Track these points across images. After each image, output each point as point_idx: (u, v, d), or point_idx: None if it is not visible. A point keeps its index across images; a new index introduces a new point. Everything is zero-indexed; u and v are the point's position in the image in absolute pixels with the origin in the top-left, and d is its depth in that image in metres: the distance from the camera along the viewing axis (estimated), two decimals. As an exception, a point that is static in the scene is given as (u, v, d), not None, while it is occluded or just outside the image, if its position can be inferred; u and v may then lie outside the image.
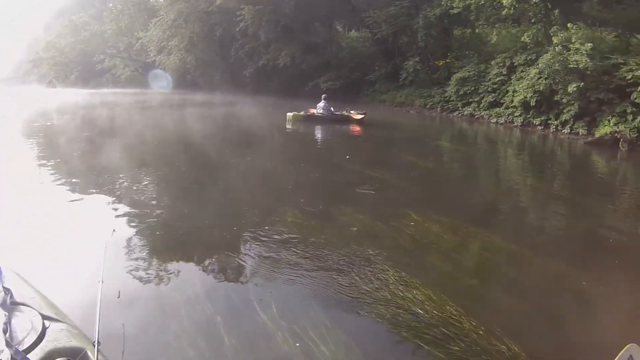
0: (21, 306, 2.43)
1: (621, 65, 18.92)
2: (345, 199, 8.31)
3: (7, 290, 2.43)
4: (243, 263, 5.30)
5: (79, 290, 4.23)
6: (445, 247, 6.00)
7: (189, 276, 5.02)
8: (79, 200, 7.97)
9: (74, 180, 9.39)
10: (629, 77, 18.16)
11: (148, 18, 52.67)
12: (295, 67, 34.72)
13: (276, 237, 6.13)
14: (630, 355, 2.64)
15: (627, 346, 2.70)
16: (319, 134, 18.49)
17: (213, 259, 5.65)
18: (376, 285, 4.74)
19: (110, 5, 66.12)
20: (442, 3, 27.96)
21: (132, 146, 14.09)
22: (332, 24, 38.79)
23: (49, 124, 20.96)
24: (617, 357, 2.65)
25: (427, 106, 28.52)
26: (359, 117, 20.45)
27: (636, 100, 17.80)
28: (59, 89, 70.27)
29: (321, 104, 20.59)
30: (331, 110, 20.63)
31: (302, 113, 20.33)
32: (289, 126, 19.24)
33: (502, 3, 22.79)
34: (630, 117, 17.97)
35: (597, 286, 5.21)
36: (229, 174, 10.34)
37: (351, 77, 33.51)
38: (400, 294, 4.53)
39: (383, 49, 33.66)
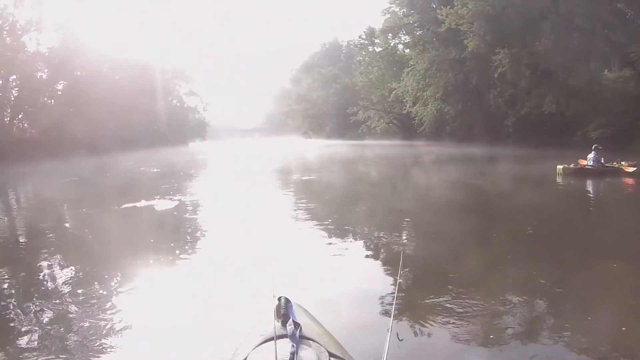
0: (309, 341, 2.73)
1: None
2: None
3: (297, 325, 2.77)
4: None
5: (366, 334, 4.84)
6: None
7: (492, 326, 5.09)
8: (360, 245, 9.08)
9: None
10: None
11: (398, 69, 60.31)
12: (559, 115, 36.39)
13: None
14: None
15: None
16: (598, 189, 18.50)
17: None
18: None
19: (359, 58, 76.27)
20: None
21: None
22: (594, 64, 40.23)
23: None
24: None
25: None
26: (632, 169, 20.97)
27: None
28: (314, 140, 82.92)
29: (591, 155, 21.52)
30: (601, 162, 21.44)
31: (571, 166, 21.44)
32: (559, 180, 20.11)
33: None
34: None
35: None
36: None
37: (621, 123, 33.34)
38: None
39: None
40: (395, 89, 58.95)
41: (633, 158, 22.25)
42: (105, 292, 6.39)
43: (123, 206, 13.76)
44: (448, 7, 45.99)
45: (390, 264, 7.31)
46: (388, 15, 60.91)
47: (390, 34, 62.93)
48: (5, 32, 44.90)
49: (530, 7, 39.29)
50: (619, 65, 39.26)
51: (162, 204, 13.80)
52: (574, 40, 39.17)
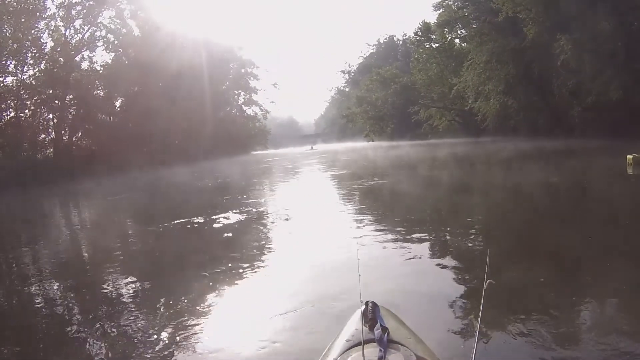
0: (397, 345, 2.74)
1: None
2: None
3: (384, 329, 2.80)
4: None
5: (455, 339, 4.86)
6: None
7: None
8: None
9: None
10: None
11: (457, 64, 59.95)
12: (628, 102, 35.05)
13: None
14: None
15: None
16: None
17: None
18: None
19: (416, 55, 75.99)
20: None
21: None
22: None
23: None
24: None
25: None
26: None
27: None
28: (376, 142, 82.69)
29: None
30: None
31: None
32: (629, 171, 19.25)
33: None
34: None
35: None
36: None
37: None
38: None
39: None
40: (456, 84, 58.53)
41: None
42: (178, 306, 6.49)
43: (185, 220, 13.67)
44: (504, -7, 45.14)
45: (476, 268, 7.19)
46: (442, 10, 60.68)
47: (446, 29, 62.61)
48: (57, 53, 47.12)
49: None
50: None
51: (228, 216, 13.72)
52: (636, 19, 37.18)
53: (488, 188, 18.39)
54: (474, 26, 56.55)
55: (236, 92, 79.04)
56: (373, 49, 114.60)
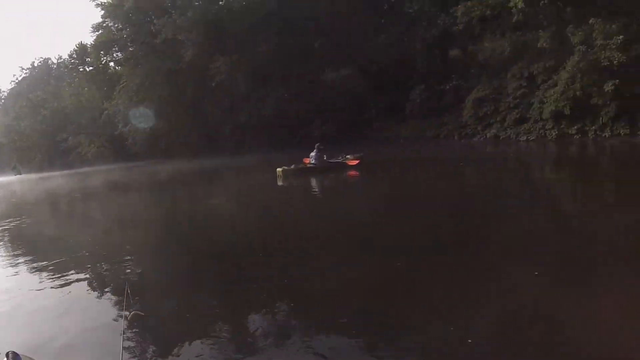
0: None
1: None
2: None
3: None
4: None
5: None
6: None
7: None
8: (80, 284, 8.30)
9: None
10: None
11: (109, 88, 54.59)
12: (282, 118, 35.62)
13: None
14: None
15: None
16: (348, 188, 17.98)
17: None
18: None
19: (68, 80, 69.48)
20: (439, 22, 29.46)
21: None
22: (315, 65, 39.14)
23: None
24: None
25: (442, 136, 29.54)
26: (355, 162, 21.19)
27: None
28: (24, 175, 73.04)
29: (313, 153, 21.36)
30: (324, 159, 21.35)
31: (292, 167, 20.91)
32: (280, 183, 19.64)
33: (512, 10, 23.90)
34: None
35: None
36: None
37: (346, 118, 33.99)
38: None
39: (377, 83, 34.48)
40: (107, 109, 54.19)
41: (358, 151, 23.14)
42: None
43: None
44: (166, 16, 43.27)
45: (122, 301, 6.43)
46: (101, 31, 55.85)
47: (102, 51, 57.61)
48: None
49: (253, 11, 38.29)
50: (338, 64, 39.34)
51: None
52: (295, 42, 37.64)
53: (138, 218, 16.72)
54: (131, 49, 52.76)
55: None
56: (27, 73, 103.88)
